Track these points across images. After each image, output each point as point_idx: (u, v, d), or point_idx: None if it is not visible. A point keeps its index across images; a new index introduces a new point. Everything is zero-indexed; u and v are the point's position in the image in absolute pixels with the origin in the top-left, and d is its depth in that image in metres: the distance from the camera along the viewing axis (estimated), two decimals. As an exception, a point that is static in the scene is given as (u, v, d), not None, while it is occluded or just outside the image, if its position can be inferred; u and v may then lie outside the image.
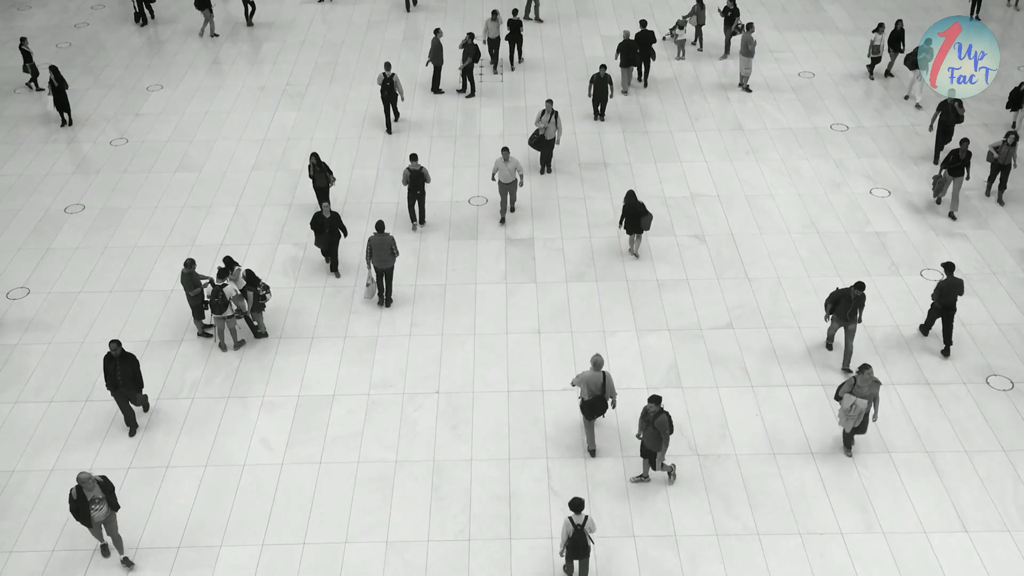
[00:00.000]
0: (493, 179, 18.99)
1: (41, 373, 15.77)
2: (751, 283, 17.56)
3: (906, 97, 23.21)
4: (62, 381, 15.59)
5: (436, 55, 23.67)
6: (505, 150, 18.46)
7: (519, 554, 12.67)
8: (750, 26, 23.37)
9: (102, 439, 14.50)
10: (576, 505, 11.62)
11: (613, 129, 22.48)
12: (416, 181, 18.57)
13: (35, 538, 13.02)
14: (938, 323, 16.28)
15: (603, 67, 21.83)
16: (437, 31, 23.76)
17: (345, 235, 17.69)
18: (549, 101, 20.20)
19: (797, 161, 21.21)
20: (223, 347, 16.16)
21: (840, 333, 16.14)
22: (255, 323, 16.32)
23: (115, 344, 13.89)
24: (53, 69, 22.34)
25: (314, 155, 18.73)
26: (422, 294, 17.39)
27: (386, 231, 16.72)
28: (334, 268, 17.85)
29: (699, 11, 25.69)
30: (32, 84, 24.55)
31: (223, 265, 16.00)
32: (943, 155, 20.39)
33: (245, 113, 23.49)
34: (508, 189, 18.94)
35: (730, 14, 25.39)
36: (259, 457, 14.19)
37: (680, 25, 25.61)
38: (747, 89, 24.09)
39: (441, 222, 19.34)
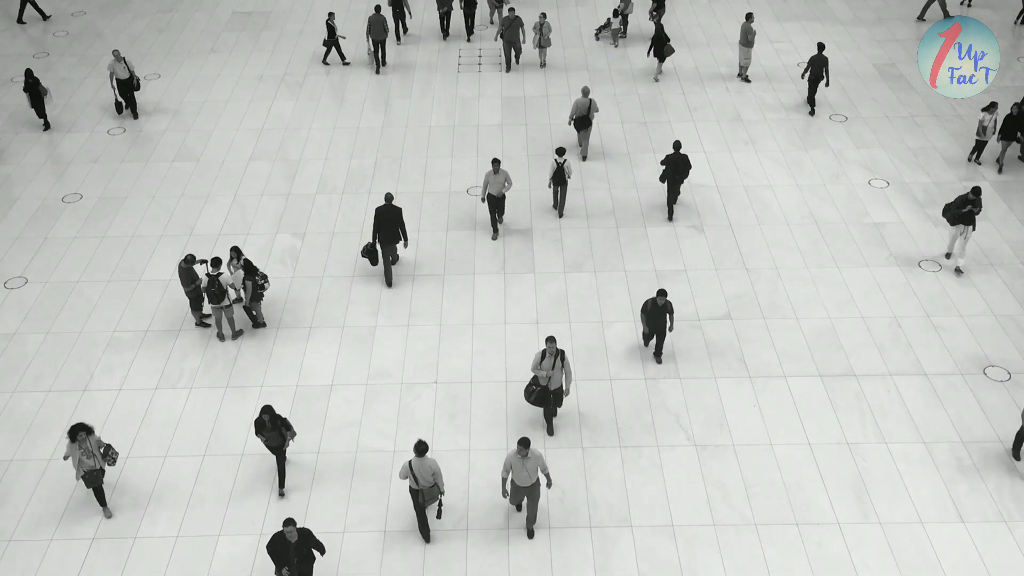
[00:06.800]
0: (505, 492, 12.53)
1: (39, 362, 15.76)
2: (749, 273, 17.56)
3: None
4: (60, 370, 15.59)
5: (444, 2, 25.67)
6: (523, 444, 12.00)
7: (516, 544, 12.69)
8: (749, 16, 23.31)
9: (100, 429, 14.49)
10: (560, 151, 18.27)
11: (611, 119, 22.44)
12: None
13: (33, 527, 13.05)
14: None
15: (662, 292, 14.87)
16: None
17: (322, 553, 11.72)
18: (551, 339, 13.73)
19: (796, 152, 21.18)
20: (221, 337, 16.16)
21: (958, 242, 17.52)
22: (253, 312, 16.31)
23: None
24: (28, 73, 21.61)
25: (267, 409, 12.88)
26: (420, 284, 17.38)
27: (382, 12, 23.42)
28: None
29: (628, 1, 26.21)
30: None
31: (232, 256, 16.06)
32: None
33: (243, 102, 23.42)
34: (528, 494, 12.47)
35: (656, 3, 25.68)
36: (257, 447, 14.19)
37: (616, 15, 26.00)
38: (746, 79, 24.05)
39: (439, 212, 19.32)
